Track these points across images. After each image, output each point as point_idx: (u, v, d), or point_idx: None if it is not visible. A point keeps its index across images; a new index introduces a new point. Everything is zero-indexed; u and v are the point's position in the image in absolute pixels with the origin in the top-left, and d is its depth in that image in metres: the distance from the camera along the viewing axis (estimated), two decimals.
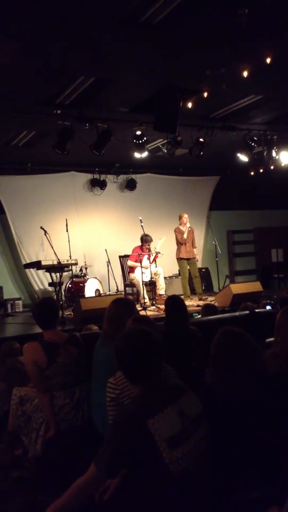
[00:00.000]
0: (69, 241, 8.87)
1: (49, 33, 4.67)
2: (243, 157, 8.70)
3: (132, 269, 8.72)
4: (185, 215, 8.85)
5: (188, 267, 8.78)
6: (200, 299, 8.58)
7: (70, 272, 8.77)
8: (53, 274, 8.20)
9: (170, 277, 10.00)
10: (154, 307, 7.97)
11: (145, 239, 8.44)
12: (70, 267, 8.54)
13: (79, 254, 9.31)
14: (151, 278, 8.48)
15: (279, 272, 11.91)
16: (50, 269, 8.02)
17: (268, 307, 5.86)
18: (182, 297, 7.52)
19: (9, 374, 4.04)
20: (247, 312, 5.03)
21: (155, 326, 3.10)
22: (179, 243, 8.75)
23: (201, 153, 7.97)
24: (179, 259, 8.80)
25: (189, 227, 8.80)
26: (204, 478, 1.95)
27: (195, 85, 6.20)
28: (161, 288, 8.66)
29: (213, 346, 2.33)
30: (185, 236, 8.69)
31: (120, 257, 9.28)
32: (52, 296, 8.25)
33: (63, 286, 8.55)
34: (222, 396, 2.18)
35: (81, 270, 9.20)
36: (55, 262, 7.80)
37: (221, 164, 10.55)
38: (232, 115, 7.48)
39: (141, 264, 8.22)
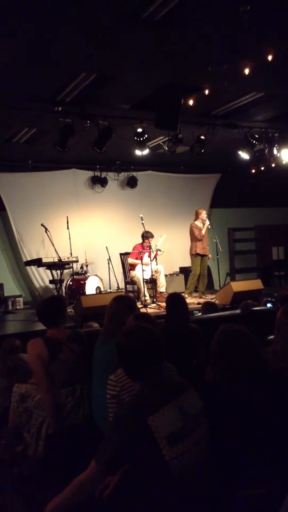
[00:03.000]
0: (70, 238, 8.87)
1: (50, 30, 4.66)
2: (244, 155, 8.69)
3: (132, 267, 8.72)
4: (204, 211, 8.85)
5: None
6: (200, 297, 8.59)
7: (71, 269, 8.77)
8: (54, 272, 8.20)
9: (170, 274, 10.00)
10: (154, 304, 7.98)
11: (146, 235, 8.45)
12: (71, 265, 8.54)
13: (80, 251, 9.31)
14: (152, 275, 8.48)
15: (279, 270, 11.91)
16: (51, 266, 8.02)
17: (269, 305, 5.86)
18: (183, 294, 7.52)
19: (9, 371, 4.05)
20: (247, 310, 5.03)
21: (156, 324, 3.10)
22: (196, 239, 8.71)
23: (202, 150, 7.97)
24: (195, 255, 8.75)
25: (208, 224, 8.79)
26: (204, 476, 1.96)
27: (197, 82, 6.19)
28: (162, 286, 8.66)
29: (213, 344, 2.33)
30: (203, 232, 8.68)
31: (121, 254, 9.28)
32: (54, 293, 8.25)
33: (64, 284, 8.55)
34: (222, 393, 2.18)
35: (81, 267, 9.20)
36: (56, 260, 7.81)
37: (222, 161, 10.54)
38: (233, 112, 7.47)
39: (141, 262, 8.22)
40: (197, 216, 8.86)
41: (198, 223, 8.78)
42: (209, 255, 8.97)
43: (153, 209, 10.38)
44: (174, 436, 1.88)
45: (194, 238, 8.75)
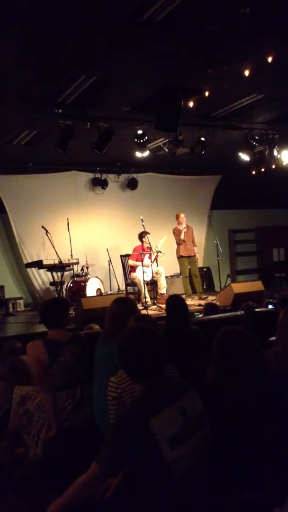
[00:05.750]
0: (70, 240, 8.87)
1: (50, 32, 4.67)
2: (244, 156, 8.69)
3: (133, 269, 8.73)
4: (181, 215, 8.85)
5: (189, 266, 8.80)
6: (200, 299, 8.59)
7: (72, 271, 8.77)
8: (54, 274, 8.21)
9: (171, 276, 10.00)
10: (155, 306, 7.98)
11: (141, 235, 8.48)
12: (72, 267, 8.54)
13: (80, 253, 9.30)
14: (153, 277, 8.48)
15: (280, 272, 11.90)
16: (51, 268, 8.03)
17: (270, 306, 5.85)
18: (183, 296, 7.52)
19: (10, 373, 4.05)
20: (248, 311, 5.03)
21: (157, 325, 3.10)
22: (177, 243, 8.79)
23: (203, 152, 7.97)
24: (179, 257, 8.83)
25: (184, 226, 8.78)
26: (205, 478, 1.95)
27: (197, 84, 6.19)
28: (163, 287, 8.67)
29: (215, 345, 2.33)
30: (182, 236, 8.71)
31: (121, 256, 9.28)
32: (54, 295, 8.25)
33: (65, 286, 8.55)
34: (223, 395, 2.18)
35: (82, 269, 9.20)
36: (57, 262, 7.81)
37: (222, 163, 10.53)
38: (233, 114, 7.47)
39: (142, 263, 8.22)
40: (177, 220, 8.88)
41: (179, 227, 8.82)
42: (197, 256, 8.99)
43: (154, 211, 10.39)
44: (175, 438, 1.87)
45: (176, 242, 8.83)
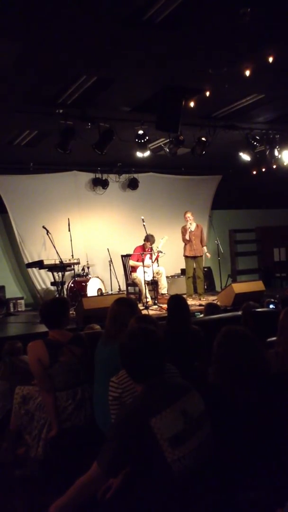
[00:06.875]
0: (71, 240, 8.88)
1: (51, 32, 4.67)
2: (245, 156, 8.70)
3: (134, 269, 8.73)
4: (187, 214, 8.86)
5: (194, 266, 8.80)
6: (199, 299, 8.59)
7: (72, 271, 8.79)
8: (55, 274, 8.22)
9: (172, 276, 10.01)
10: (156, 306, 7.98)
11: (147, 238, 8.48)
12: (72, 267, 8.56)
13: (81, 253, 9.32)
14: (153, 277, 8.48)
15: (281, 271, 11.90)
16: (52, 268, 8.04)
17: (271, 306, 5.85)
18: (185, 296, 7.51)
19: (11, 373, 4.05)
20: (247, 312, 5.02)
21: (158, 326, 3.10)
22: (183, 242, 8.79)
23: (203, 152, 7.97)
24: (185, 257, 8.86)
25: (189, 226, 8.78)
26: (206, 478, 1.95)
27: (197, 84, 6.19)
28: (163, 287, 8.67)
29: (215, 345, 2.33)
30: (187, 236, 8.71)
31: (122, 256, 9.28)
32: (55, 295, 8.26)
33: (65, 286, 8.56)
34: (224, 395, 2.18)
35: (83, 269, 9.21)
36: (57, 262, 7.83)
37: (223, 163, 10.53)
38: (234, 114, 7.48)
39: (143, 263, 8.23)
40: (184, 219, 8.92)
41: (186, 226, 8.83)
42: (207, 254, 9.02)
43: (154, 211, 10.40)
44: (176, 438, 1.88)
45: (183, 241, 8.87)
